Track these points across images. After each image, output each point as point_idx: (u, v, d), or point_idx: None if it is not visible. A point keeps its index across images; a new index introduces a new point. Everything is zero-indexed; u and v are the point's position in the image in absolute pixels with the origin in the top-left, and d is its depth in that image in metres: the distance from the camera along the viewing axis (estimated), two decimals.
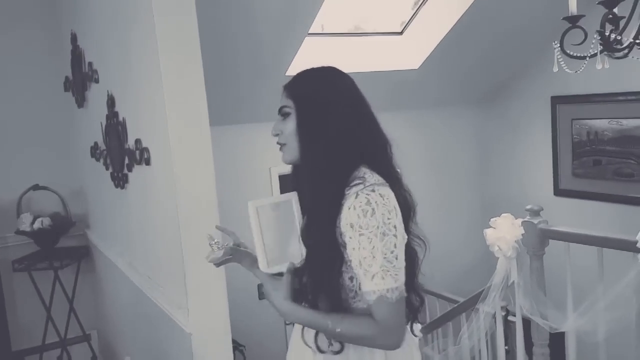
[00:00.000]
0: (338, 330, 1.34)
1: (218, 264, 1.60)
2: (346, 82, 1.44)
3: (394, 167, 1.45)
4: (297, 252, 1.45)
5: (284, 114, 1.44)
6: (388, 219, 1.29)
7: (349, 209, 1.29)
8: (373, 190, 1.30)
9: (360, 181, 1.33)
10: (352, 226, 1.29)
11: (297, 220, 1.50)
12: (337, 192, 1.33)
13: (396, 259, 1.29)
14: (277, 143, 1.47)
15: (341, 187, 1.33)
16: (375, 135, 1.43)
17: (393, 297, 1.29)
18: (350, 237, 1.30)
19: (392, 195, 1.33)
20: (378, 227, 1.27)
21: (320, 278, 1.36)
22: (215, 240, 1.60)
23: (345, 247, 1.32)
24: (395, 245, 1.29)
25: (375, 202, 1.29)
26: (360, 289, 1.34)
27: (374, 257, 1.28)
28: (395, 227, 1.29)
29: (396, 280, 1.29)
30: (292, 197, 1.51)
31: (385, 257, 1.28)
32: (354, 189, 1.31)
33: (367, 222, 1.27)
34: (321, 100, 1.39)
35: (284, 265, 1.43)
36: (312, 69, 1.47)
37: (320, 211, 1.34)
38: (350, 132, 1.38)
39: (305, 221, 1.43)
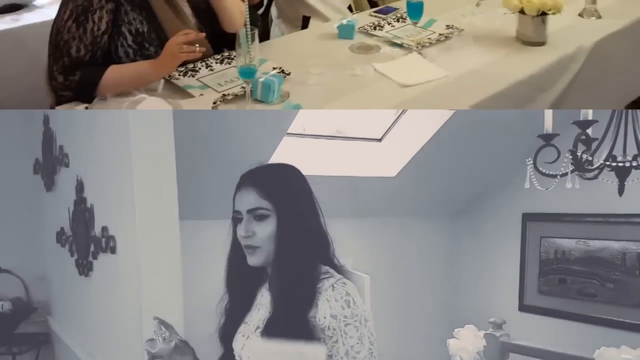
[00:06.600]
0: None
1: None
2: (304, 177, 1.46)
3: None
4: None
5: (259, 217, 1.36)
6: (364, 307, 1.33)
7: (329, 301, 1.30)
8: (345, 284, 1.33)
9: (329, 275, 1.35)
10: (335, 317, 1.29)
11: None
12: (311, 289, 1.32)
13: (375, 340, 1.33)
14: (246, 246, 1.37)
15: (315, 284, 1.33)
16: (325, 233, 1.44)
17: None
18: (334, 329, 1.29)
19: None
20: (360, 315, 1.30)
21: None
22: (163, 330, 1.44)
23: (324, 339, 1.30)
24: (373, 328, 1.33)
25: (352, 292, 1.32)
26: None
27: (361, 343, 1.29)
28: (369, 312, 1.34)
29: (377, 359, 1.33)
30: None
31: (370, 340, 1.30)
32: (327, 282, 1.33)
33: (351, 312, 1.29)
34: (299, 200, 1.38)
35: None
36: (279, 165, 1.45)
37: (293, 307, 1.31)
38: (319, 230, 1.40)
39: (273, 313, 1.37)
